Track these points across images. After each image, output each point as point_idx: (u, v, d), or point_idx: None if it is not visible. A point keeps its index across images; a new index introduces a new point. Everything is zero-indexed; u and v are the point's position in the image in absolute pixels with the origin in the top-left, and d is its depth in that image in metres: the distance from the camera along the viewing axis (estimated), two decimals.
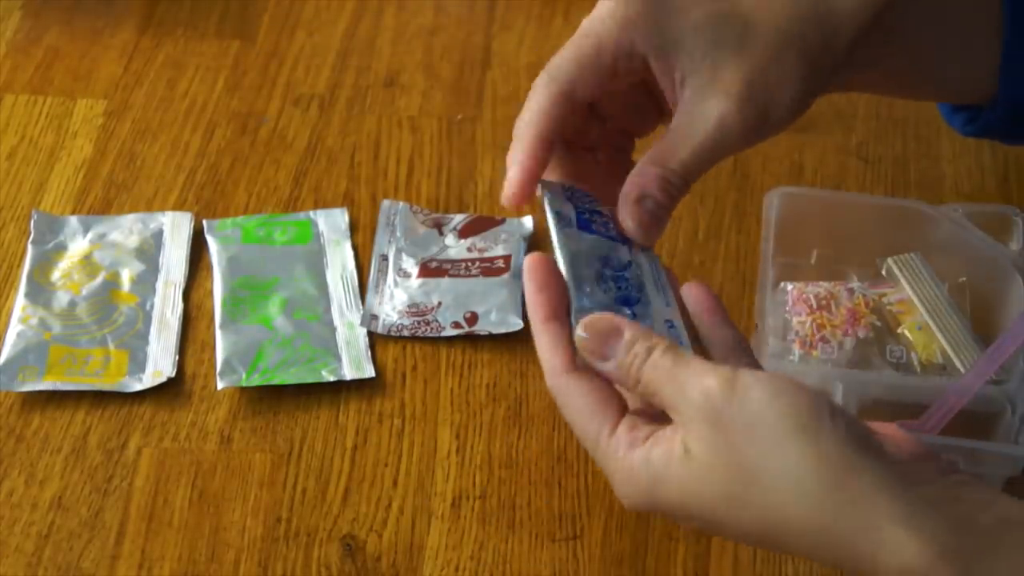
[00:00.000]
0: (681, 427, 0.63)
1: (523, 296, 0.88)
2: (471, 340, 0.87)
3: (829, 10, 0.75)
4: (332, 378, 0.85)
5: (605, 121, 0.76)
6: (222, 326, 0.87)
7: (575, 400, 0.67)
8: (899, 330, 0.84)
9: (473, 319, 0.88)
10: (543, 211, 0.72)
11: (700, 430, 0.63)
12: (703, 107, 0.72)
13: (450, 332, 0.87)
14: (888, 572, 0.61)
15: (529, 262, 0.69)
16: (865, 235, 0.89)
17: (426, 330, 0.87)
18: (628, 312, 0.68)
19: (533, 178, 0.72)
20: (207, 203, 0.95)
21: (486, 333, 0.87)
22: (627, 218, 0.71)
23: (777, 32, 0.73)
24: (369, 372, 0.85)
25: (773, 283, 0.84)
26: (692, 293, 0.71)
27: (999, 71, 0.78)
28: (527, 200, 0.72)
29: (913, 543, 0.61)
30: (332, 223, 0.93)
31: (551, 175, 0.73)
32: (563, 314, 0.68)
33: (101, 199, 0.95)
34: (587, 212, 0.72)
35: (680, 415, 0.64)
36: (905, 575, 0.61)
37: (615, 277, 0.70)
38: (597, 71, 0.73)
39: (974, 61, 0.79)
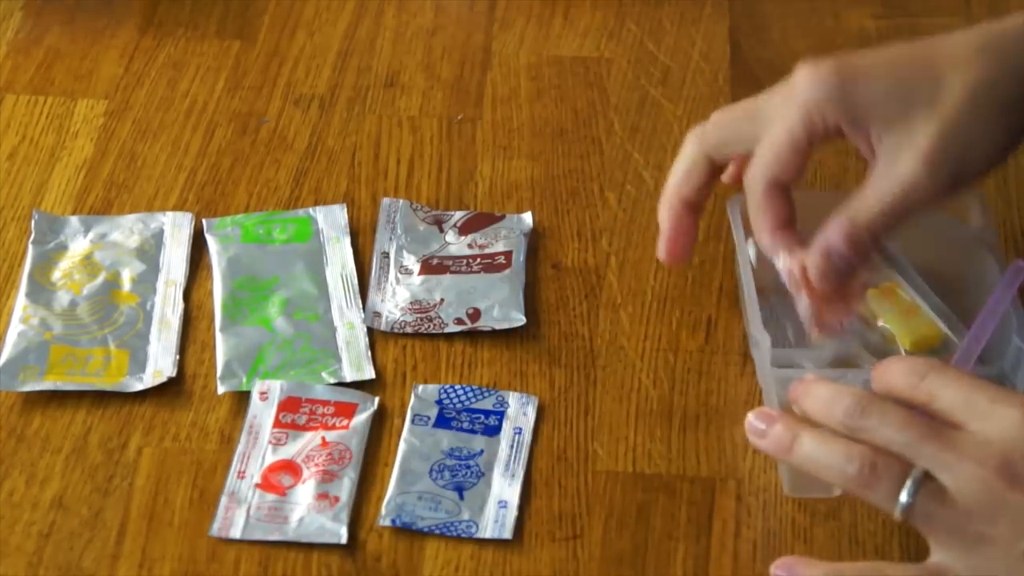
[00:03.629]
0: None
1: (525, 292, 0.88)
2: (471, 340, 0.87)
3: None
4: (332, 380, 0.85)
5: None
6: (222, 328, 0.87)
7: None
8: (878, 322, 0.84)
9: (476, 315, 0.88)
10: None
11: None
12: (894, 168, 0.76)
13: (453, 328, 0.87)
14: None
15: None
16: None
17: (429, 327, 0.87)
18: (458, 496, 0.79)
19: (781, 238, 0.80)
20: (207, 203, 0.95)
21: (489, 329, 0.87)
22: (811, 267, 0.78)
23: (971, 86, 0.76)
24: (369, 374, 0.85)
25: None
26: None
27: None
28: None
29: None
30: (331, 219, 0.93)
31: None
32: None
33: (102, 199, 0.95)
34: (453, 411, 0.83)
35: None
36: None
37: (453, 467, 0.80)
38: (795, 156, 0.78)
39: None
